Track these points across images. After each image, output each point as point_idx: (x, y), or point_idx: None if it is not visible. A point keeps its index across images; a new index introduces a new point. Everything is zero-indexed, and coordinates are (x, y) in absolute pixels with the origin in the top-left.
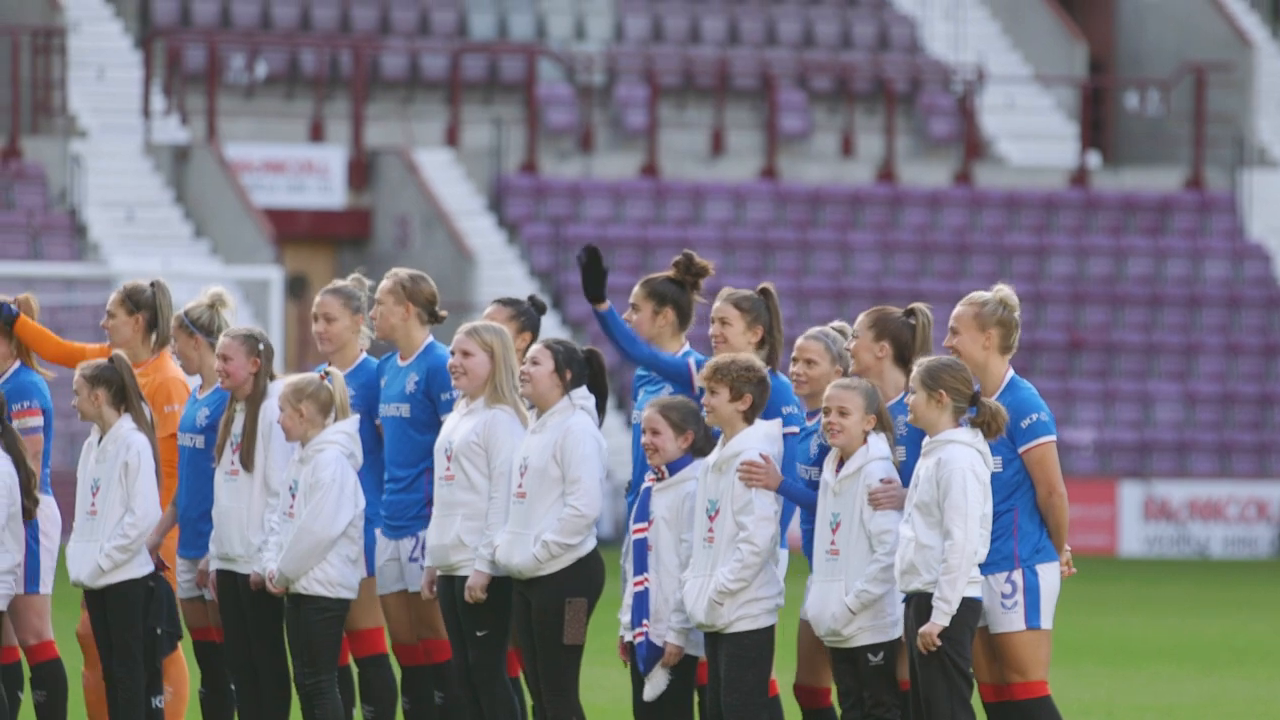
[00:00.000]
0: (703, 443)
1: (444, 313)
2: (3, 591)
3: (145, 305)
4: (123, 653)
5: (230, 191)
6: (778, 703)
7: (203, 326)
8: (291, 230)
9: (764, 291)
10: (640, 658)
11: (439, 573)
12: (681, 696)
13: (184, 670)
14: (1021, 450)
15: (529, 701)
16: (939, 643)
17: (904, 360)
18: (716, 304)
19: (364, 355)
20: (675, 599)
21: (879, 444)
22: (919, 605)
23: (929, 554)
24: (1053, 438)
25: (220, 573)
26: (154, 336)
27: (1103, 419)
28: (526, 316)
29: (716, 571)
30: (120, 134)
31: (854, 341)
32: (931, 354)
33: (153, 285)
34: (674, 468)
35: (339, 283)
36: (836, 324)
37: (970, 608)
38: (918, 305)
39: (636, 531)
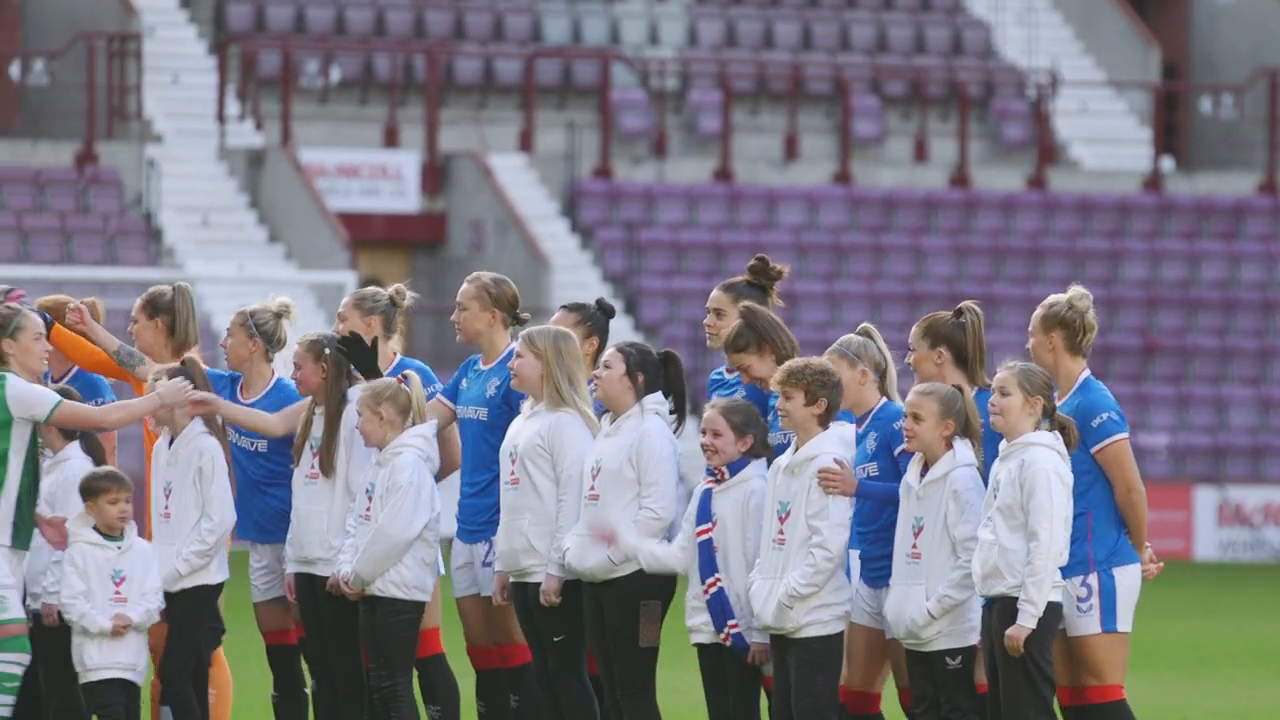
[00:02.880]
0: (760, 446)
1: (525, 314)
2: None
3: (164, 309)
4: (184, 651)
5: (305, 196)
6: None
7: (265, 333)
8: (366, 234)
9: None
10: (738, 653)
11: (510, 578)
12: (750, 696)
13: (227, 673)
14: (1094, 450)
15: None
16: (1023, 647)
17: (963, 361)
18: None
19: (398, 358)
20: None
21: (964, 450)
22: (1002, 609)
23: (1011, 557)
24: (1125, 435)
25: (299, 576)
26: (174, 340)
27: (1177, 423)
28: (593, 321)
29: (787, 575)
30: (195, 139)
31: (912, 354)
32: (984, 351)
33: (174, 289)
34: (733, 468)
35: (364, 289)
36: (862, 327)
37: (1053, 610)
38: (966, 304)
39: (700, 533)
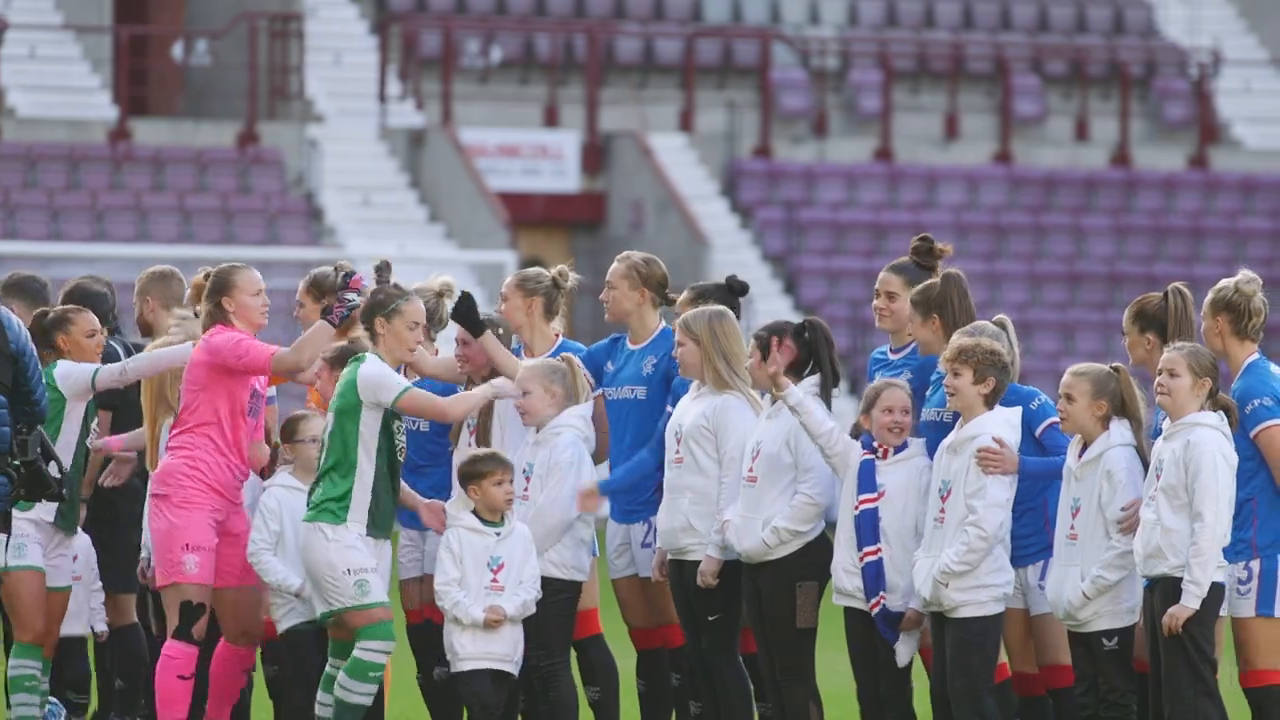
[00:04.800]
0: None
1: (674, 295)
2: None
3: (330, 291)
4: None
5: (465, 176)
6: (1007, 687)
7: (427, 313)
8: (526, 214)
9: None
10: (881, 627)
11: (669, 556)
12: (901, 674)
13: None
14: (1251, 435)
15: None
16: (1182, 628)
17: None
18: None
19: (560, 339)
20: (907, 572)
21: (1121, 431)
22: (1164, 589)
23: (1175, 537)
24: (1275, 422)
25: None
26: None
27: None
28: (704, 299)
29: (943, 552)
30: (356, 118)
31: (1125, 339)
32: (1191, 335)
33: (335, 269)
34: (898, 448)
35: (527, 270)
36: (998, 319)
37: (1215, 593)
38: (1175, 285)
39: (864, 503)
